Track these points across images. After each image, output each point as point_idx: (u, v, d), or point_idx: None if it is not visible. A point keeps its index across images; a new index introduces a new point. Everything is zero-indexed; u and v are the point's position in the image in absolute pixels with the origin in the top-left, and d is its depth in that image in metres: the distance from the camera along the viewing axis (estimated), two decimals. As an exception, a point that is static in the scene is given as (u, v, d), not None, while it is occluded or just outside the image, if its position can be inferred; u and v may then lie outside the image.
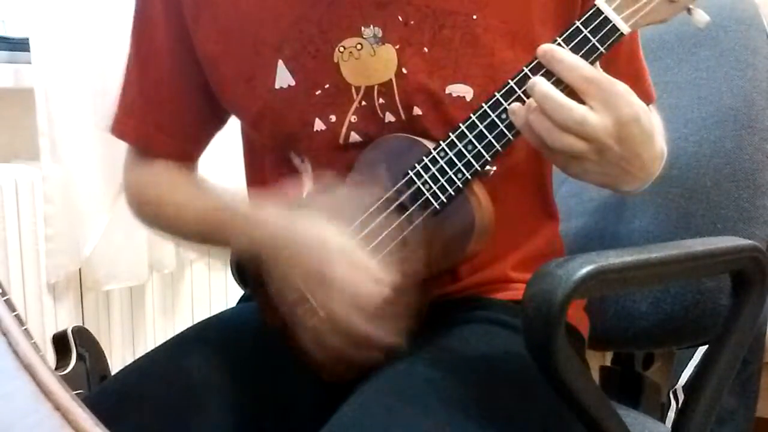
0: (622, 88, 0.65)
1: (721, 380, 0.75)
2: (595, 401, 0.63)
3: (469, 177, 0.71)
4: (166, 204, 0.87)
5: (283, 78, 0.78)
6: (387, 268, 0.71)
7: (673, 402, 1.52)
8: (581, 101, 0.64)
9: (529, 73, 0.67)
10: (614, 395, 1.07)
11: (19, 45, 1.62)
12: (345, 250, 0.71)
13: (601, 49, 0.66)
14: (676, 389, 1.52)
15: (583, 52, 0.66)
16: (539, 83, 0.65)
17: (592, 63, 0.66)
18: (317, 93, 0.78)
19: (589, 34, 0.66)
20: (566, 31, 0.67)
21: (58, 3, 1.58)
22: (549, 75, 0.66)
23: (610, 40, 0.66)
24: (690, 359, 1.51)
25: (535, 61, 0.67)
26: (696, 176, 0.94)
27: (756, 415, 1.57)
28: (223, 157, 1.34)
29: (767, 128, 0.92)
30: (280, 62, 0.78)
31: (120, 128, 0.89)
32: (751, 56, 0.94)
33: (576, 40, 0.66)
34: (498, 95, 0.68)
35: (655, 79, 0.90)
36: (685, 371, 1.52)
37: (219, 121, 0.91)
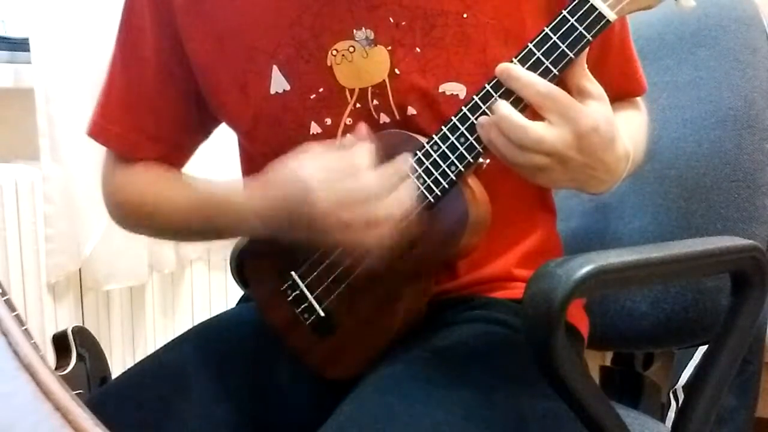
0: (595, 92, 0.67)
1: (721, 380, 0.75)
2: (595, 401, 0.63)
3: (462, 169, 0.71)
4: (150, 199, 0.86)
5: (279, 83, 0.78)
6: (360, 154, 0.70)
7: (673, 402, 1.52)
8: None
9: (519, 65, 0.68)
10: (614, 395, 1.07)
11: (19, 45, 1.62)
12: (317, 173, 0.70)
13: (588, 36, 0.66)
14: (676, 389, 1.52)
15: (570, 40, 0.67)
16: (499, 104, 0.67)
17: (579, 52, 0.67)
18: (312, 97, 0.78)
19: (575, 23, 0.66)
20: (553, 20, 0.67)
21: (58, 3, 1.58)
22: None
23: (597, 28, 0.66)
24: (690, 359, 1.51)
25: (521, 54, 0.68)
26: (696, 176, 0.94)
27: (756, 415, 1.57)
28: (220, 166, 1.34)
29: (767, 128, 0.92)
30: (275, 67, 0.78)
31: (103, 134, 0.88)
32: (751, 56, 0.94)
33: (563, 29, 0.67)
34: (488, 86, 0.69)
35: (655, 78, 0.90)
36: (685, 371, 1.52)
37: (205, 131, 0.91)
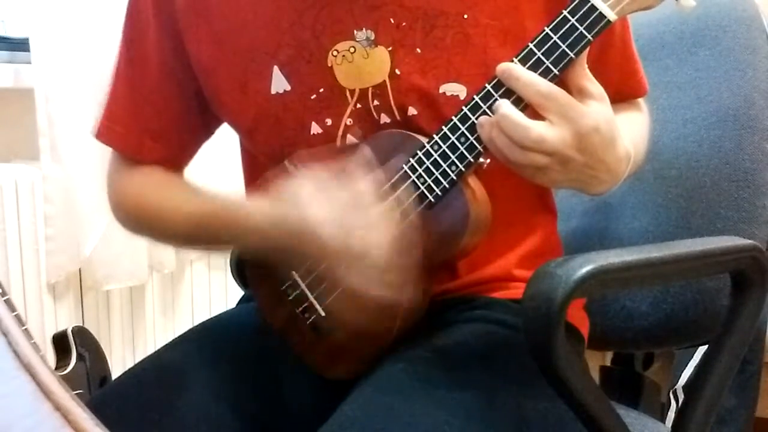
0: (595, 92, 0.67)
1: (721, 380, 0.75)
2: (594, 401, 0.63)
3: (463, 169, 0.71)
4: (153, 206, 0.86)
5: (279, 83, 0.78)
6: (383, 221, 0.70)
7: (673, 402, 1.52)
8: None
9: (519, 65, 0.68)
10: (614, 395, 1.07)
11: (19, 45, 1.62)
12: (328, 224, 0.69)
13: (589, 36, 0.66)
14: (676, 389, 1.52)
15: (570, 40, 0.67)
16: (501, 104, 0.67)
17: (580, 51, 0.67)
18: (312, 97, 0.78)
19: (576, 23, 0.66)
20: (554, 20, 0.67)
21: (58, 3, 1.58)
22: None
23: (597, 28, 0.66)
24: (690, 359, 1.51)
25: (522, 54, 0.68)
26: (696, 176, 0.94)
27: (756, 415, 1.57)
28: (222, 168, 1.34)
29: (767, 128, 0.92)
30: (276, 68, 0.78)
31: (107, 134, 0.88)
32: (751, 56, 0.94)
33: (563, 29, 0.67)
34: (489, 86, 0.69)
35: (655, 79, 0.89)
36: (685, 371, 1.52)
37: (207, 131, 0.91)
